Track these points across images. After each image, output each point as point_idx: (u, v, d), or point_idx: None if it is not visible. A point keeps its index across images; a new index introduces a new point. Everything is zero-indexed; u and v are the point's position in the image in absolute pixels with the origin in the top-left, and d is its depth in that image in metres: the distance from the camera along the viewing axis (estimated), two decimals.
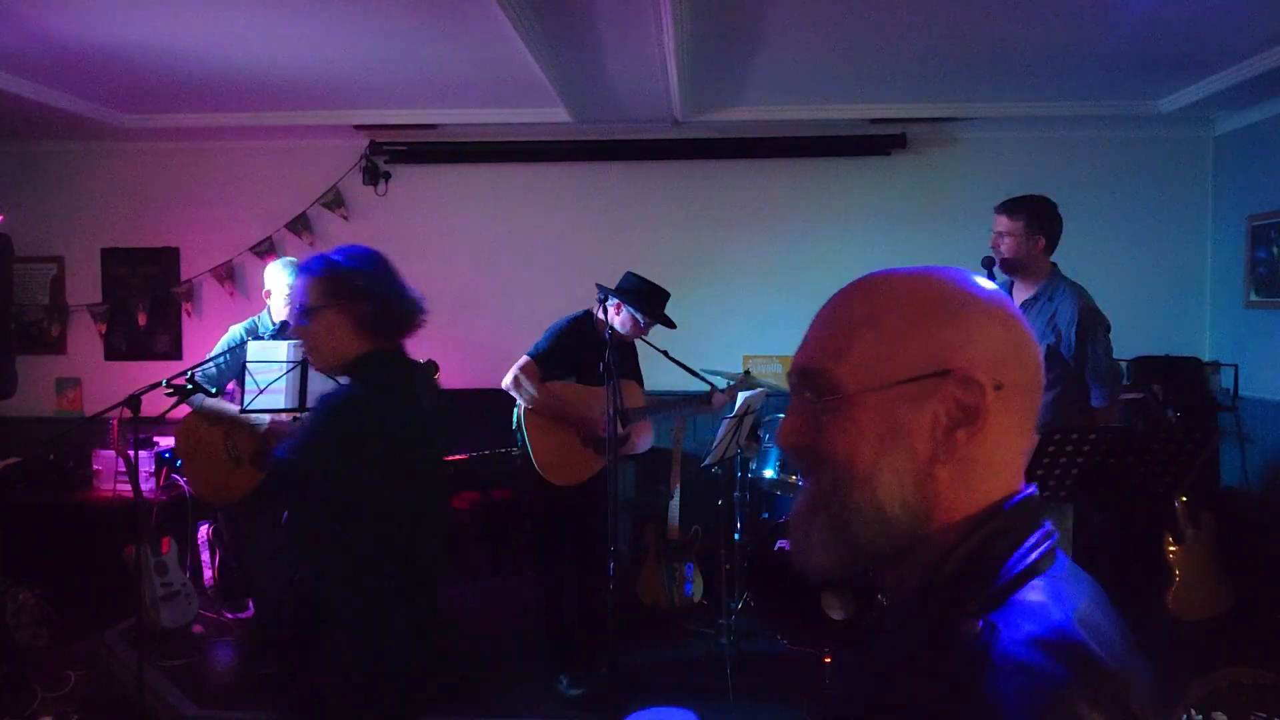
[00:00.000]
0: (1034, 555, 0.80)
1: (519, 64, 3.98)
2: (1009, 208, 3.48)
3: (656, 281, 3.90)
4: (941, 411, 0.80)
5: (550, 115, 4.94)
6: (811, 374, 0.84)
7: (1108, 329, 3.42)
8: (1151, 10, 3.47)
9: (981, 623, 0.73)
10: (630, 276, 3.92)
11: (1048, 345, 3.38)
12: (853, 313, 0.85)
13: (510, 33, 3.52)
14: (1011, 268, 3.50)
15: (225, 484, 3.98)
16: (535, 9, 3.38)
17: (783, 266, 5.50)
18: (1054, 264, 3.52)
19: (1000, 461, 0.83)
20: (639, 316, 3.80)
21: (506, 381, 3.75)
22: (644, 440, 4.06)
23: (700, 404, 4.09)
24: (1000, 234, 3.48)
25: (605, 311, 3.83)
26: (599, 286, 3.87)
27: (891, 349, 0.82)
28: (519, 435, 3.79)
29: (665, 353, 3.86)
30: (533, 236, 5.47)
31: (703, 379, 4.05)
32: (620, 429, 3.50)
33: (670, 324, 3.93)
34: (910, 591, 0.83)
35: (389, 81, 4.48)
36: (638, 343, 4.01)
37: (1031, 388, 0.85)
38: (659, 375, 4.21)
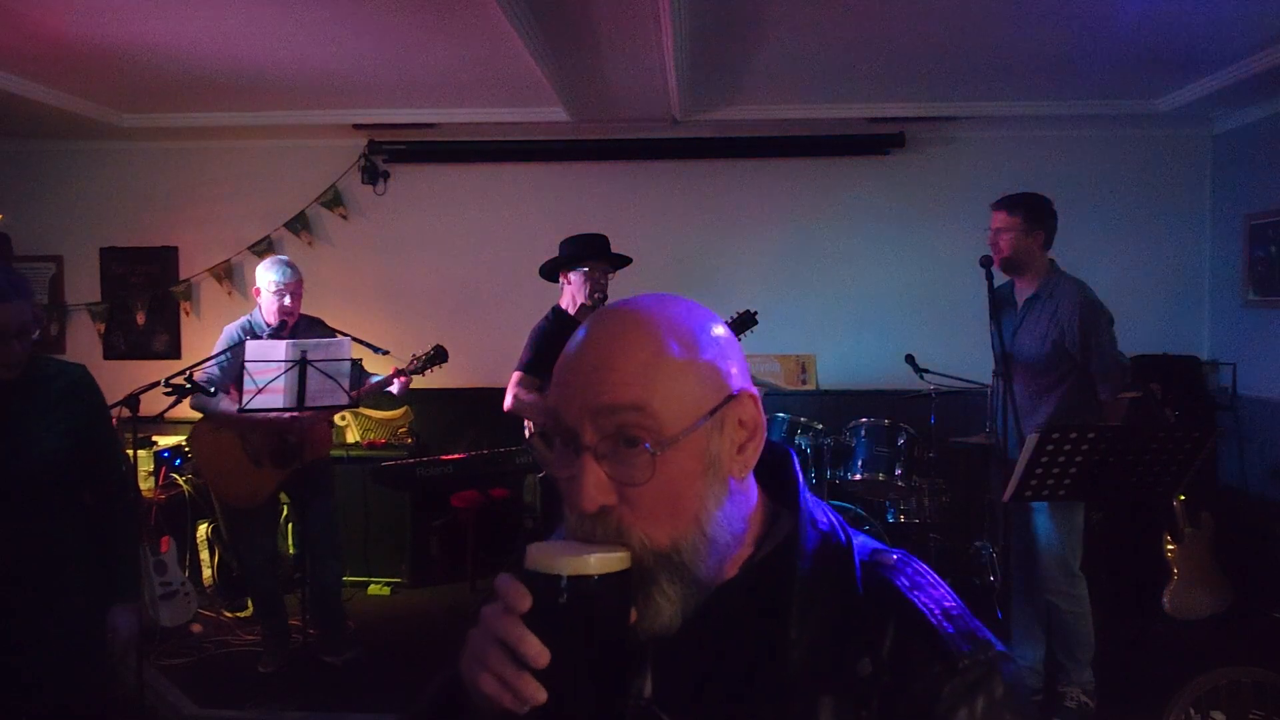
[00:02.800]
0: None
1: (518, 63, 3.98)
2: (1007, 204, 3.48)
3: (654, 281, 3.90)
4: (733, 433, 0.84)
5: (549, 115, 4.94)
6: (631, 414, 0.79)
7: (1111, 321, 3.41)
8: (1150, 9, 3.47)
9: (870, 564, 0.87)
10: (562, 244, 3.87)
11: (1051, 342, 3.38)
12: (643, 350, 0.81)
13: (509, 32, 3.52)
14: (1011, 265, 3.50)
15: (249, 486, 3.97)
16: (534, 9, 3.38)
17: (781, 265, 5.50)
18: (1052, 260, 3.52)
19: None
20: (583, 272, 3.73)
21: (507, 405, 3.69)
22: None
23: None
24: (998, 230, 3.48)
25: (564, 294, 3.81)
26: (540, 274, 3.86)
27: (690, 384, 0.82)
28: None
29: None
30: (532, 236, 5.47)
31: None
32: None
33: (620, 261, 3.85)
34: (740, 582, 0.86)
35: (388, 81, 4.48)
36: None
37: None
38: None
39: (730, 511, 0.84)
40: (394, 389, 4.03)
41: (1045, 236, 3.47)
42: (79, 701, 2.29)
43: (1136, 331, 4.95)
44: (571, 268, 3.77)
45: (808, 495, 0.90)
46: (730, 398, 0.84)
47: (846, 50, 4.05)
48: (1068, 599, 3.40)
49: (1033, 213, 3.44)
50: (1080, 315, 3.33)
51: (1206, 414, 5.01)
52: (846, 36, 3.85)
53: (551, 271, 3.88)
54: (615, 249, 3.91)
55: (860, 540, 0.89)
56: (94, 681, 2.35)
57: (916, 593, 0.84)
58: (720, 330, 0.87)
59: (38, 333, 2.29)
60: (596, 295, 3.76)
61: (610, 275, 3.85)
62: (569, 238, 3.88)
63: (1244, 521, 4.67)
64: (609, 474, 0.80)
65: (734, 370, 0.85)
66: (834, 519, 0.90)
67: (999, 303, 3.46)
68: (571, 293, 3.78)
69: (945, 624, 0.82)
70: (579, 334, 0.86)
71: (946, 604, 0.84)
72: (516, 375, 3.70)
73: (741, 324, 3.99)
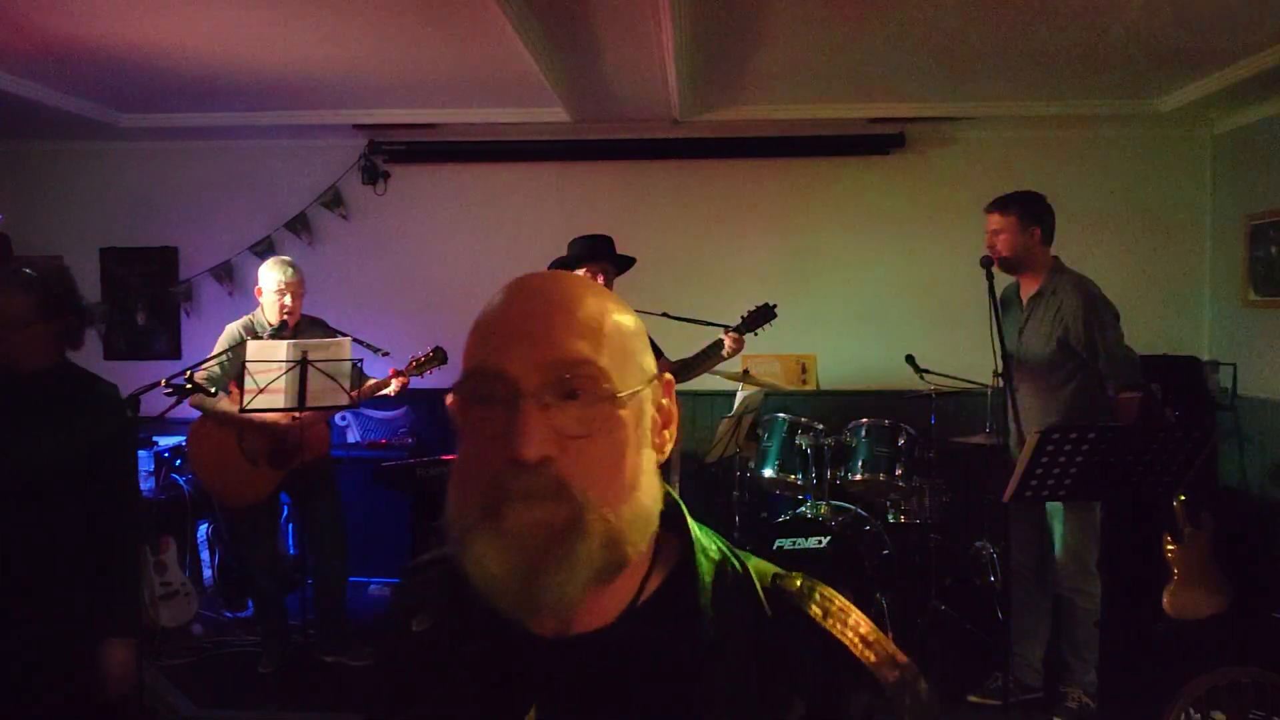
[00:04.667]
0: None
1: (518, 64, 3.98)
2: (1000, 204, 3.49)
3: (654, 281, 3.88)
4: (653, 413, 0.84)
5: (549, 115, 4.94)
6: (583, 366, 0.77)
7: (1116, 316, 3.40)
8: (1150, 9, 3.47)
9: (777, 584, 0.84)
10: (571, 244, 3.80)
11: (1057, 340, 3.37)
12: (590, 311, 0.80)
13: (509, 32, 3.52)
14: (1011, 265, 3.50)
15: (244, 486, 3.97)
16: (534, 9, 3.38)
17: (781, 265, 5.50)
18: (1056, 257, 3.51)
19: None
20: (587, 275, 3.71)
21: None
22: None
23: (717, 354, 3.85)
24: (995, 232, 3.48)
25: None
26: None
27: (631, 347, 0.81)
28: None
29: (664, 314, 3.80)
30: (532, 236, 5.46)
31: (709, 324, 3.93)
32: None
33: (624, 262, 3.81)
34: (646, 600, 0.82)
35: (388, 81, 4.48)
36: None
37: None
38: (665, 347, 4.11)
39: (659, 490, 0.82)
40: (390, 390, 4.04)
41: (1042, 232, 3.46)
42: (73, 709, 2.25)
43: (1136, 331, 4.90)
44: (576, 269, 3.76)
45: (690, 521, 0.86)
46: (652, 377, 0.84)
47: (846, 50, 4.05)
48: (1084, 596, 3.40)
49: (1026, 209, 3.44)
50: (1084, 311, 3.33)
51: (1206, 414, 5.01)
52: (846, 36, 3.85)
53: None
54: (616, 249, 3.91)
55: (754, 563, 0.85)
56: (86, 697, 2.26)
57: (831, 621, 0.82)
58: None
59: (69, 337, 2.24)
60: None
61: (614, 276, 3.84)
62: (574, 239, 3.87)
63: (1244, 521, 4.67)
64: (553, 424, 0.75)
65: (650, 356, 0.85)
66: (720, 544, 0.86)
67: (1004, 303, 3.46)
68: None
69: (867, 653, 0.81)
70: (506, 296, 0.85)
71: (862, 630, 0.82)
72: None
73: (760, 316, 3.93)
